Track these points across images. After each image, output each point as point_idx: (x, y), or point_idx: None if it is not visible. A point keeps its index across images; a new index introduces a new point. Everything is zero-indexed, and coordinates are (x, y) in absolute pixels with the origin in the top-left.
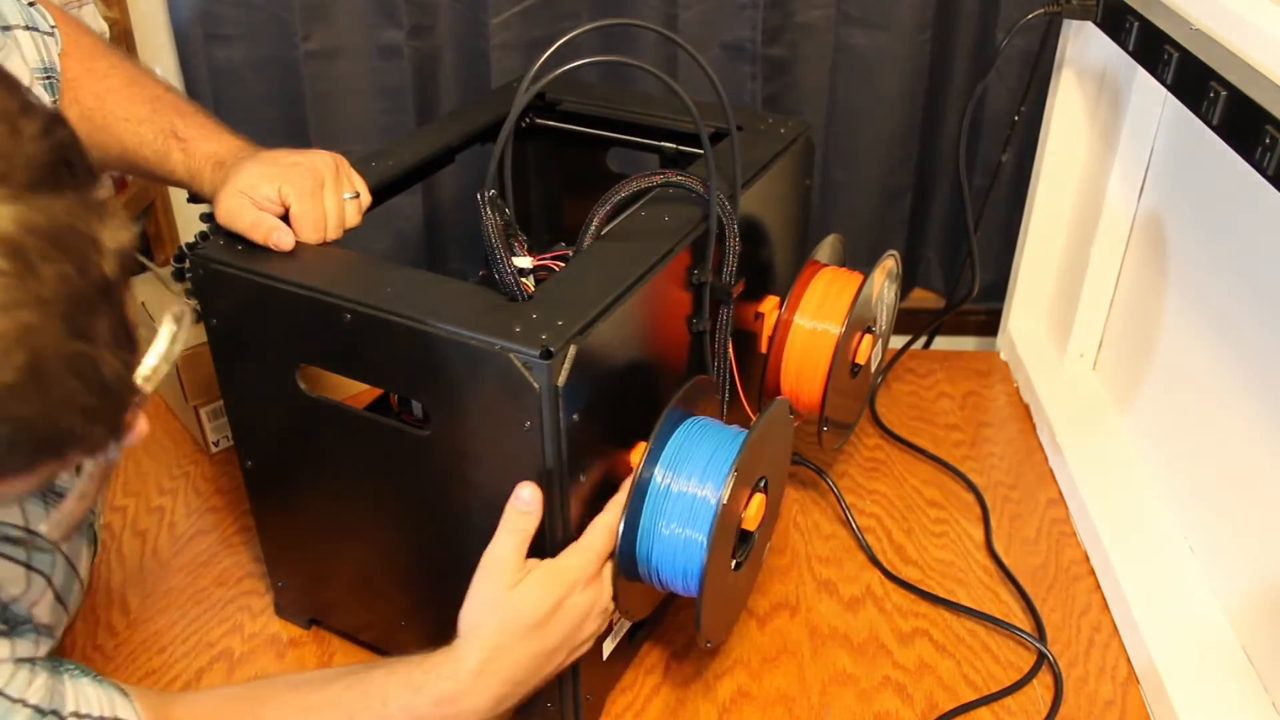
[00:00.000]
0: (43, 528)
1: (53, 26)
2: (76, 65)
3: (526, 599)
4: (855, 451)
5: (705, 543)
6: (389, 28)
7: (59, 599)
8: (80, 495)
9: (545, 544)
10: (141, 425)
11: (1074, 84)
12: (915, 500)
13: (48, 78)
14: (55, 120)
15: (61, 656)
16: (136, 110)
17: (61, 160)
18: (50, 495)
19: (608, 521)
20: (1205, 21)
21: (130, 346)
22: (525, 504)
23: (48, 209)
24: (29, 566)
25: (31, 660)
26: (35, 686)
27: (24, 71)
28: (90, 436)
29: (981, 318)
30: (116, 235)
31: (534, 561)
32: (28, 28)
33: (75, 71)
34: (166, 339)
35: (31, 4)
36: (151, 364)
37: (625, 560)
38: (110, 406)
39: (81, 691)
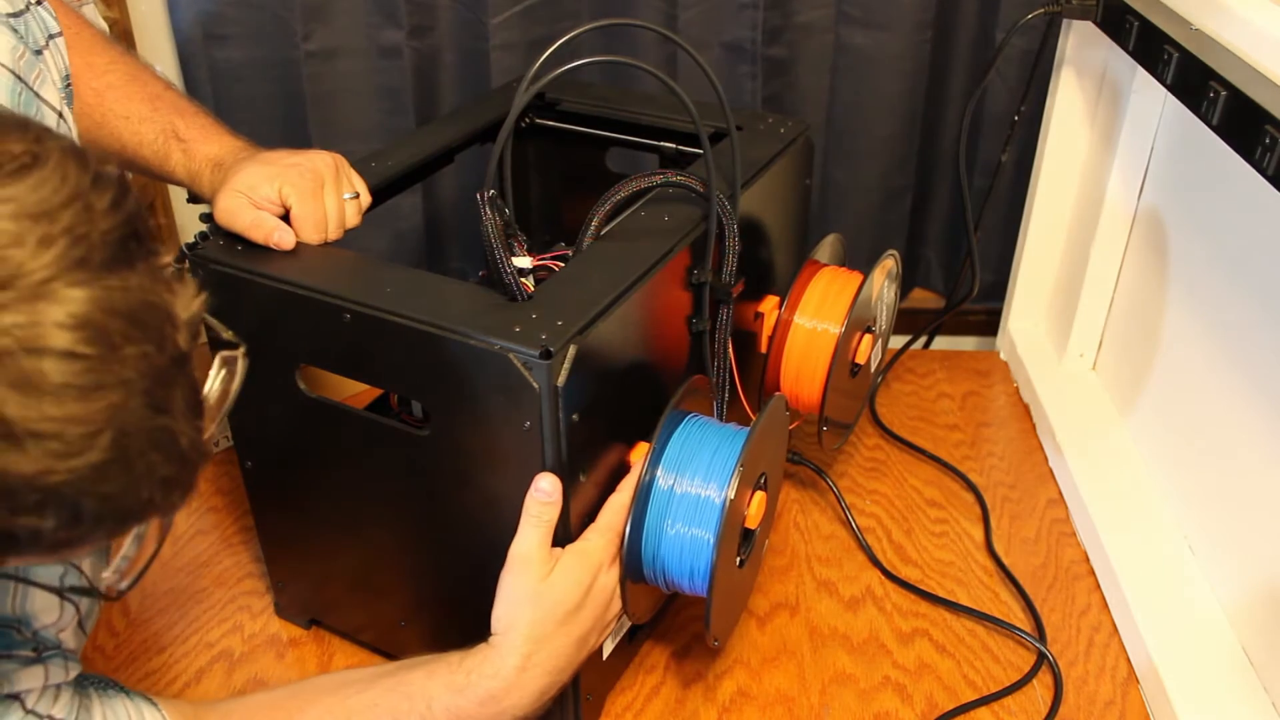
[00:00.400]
0: (105, 575)
1: (56, 19)
2: (77, 59)
3: (560, 587)
4: (855, 451)
5: (713, 540)
6: (389, 28)
7: (81, 625)
8: (143, 540)
9: None
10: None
11: (1074, 84)
12: (915, 500)
13: (67, 86)
14: (122, 189)
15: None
16: (137, 108)
17: (132, 233)
18: None
19: (624, 500)
20: (1205, 21)
21: (200, 411)
22: (546, 495)
23: (124, 286)
24: (62, 595)
25: (59, 685)
26: (61, 703)
27: (55, 95)
28: (169, 503)
29: (981, 318)
30: (188, 305)
31: (559, 550)
32: (49, 38)
33: (75, 66)
34: (219, 384)
35: (39, 1)
36: (209, 414)
37: (630, 562)
38: (187, 474)
39: (110, 705)
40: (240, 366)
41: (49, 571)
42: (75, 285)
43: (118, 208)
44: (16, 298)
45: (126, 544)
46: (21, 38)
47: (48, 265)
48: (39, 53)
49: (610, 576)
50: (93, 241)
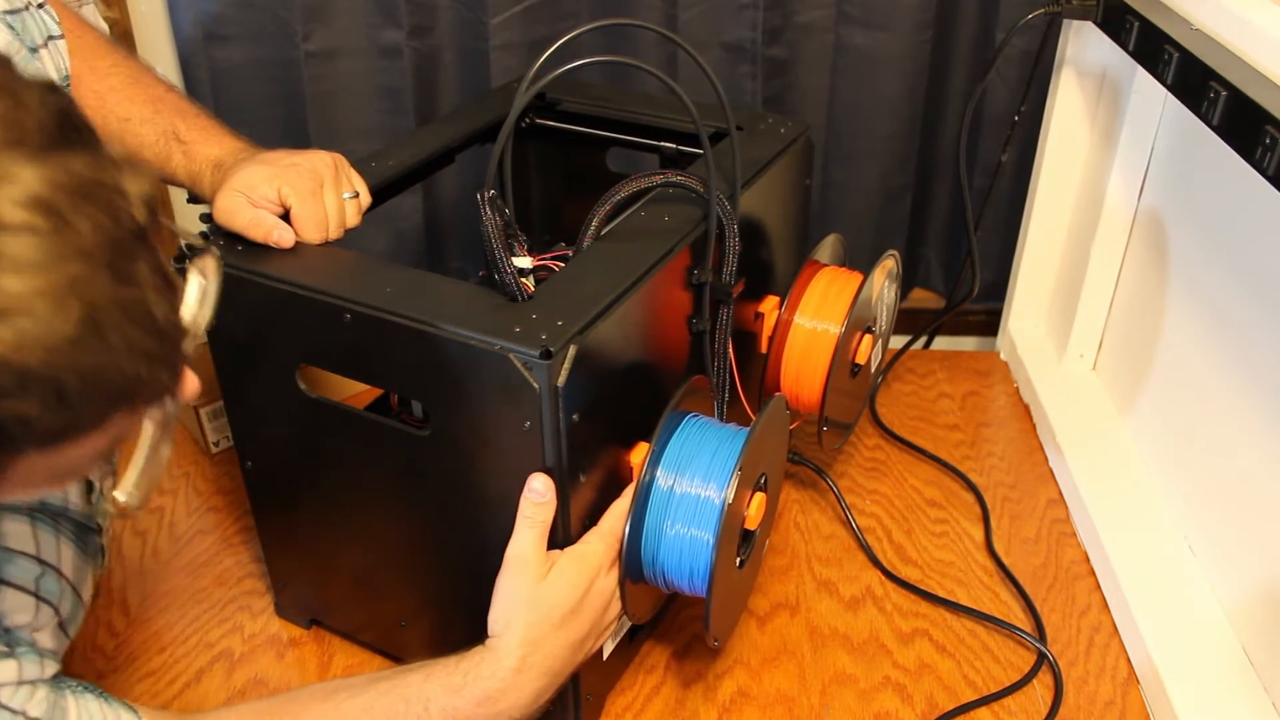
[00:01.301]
0: (118, 495)
1: (58, 23)
2: (79, 62)
3: (557, 589)
4: (855, 451)
5: (712, 541)
6: (389, 28)
7: (62, 628)
8: (149, 460)
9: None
10: (193, 382)
11: (1074, 84)
12: (915, 500)
13: (66, 87)
14: (51, 86)
15: (65, 674)
16: (138, 111)
17: (68, 122)
18: (62, 520)
19: (626, 506)
20: (1205, 21)
21: (171, 289)
22: (539, 495)
23: (68, 166)
24: (37, 596)
25: (34, 681)
26: (37, 700)
27: None
28: (156, 381)
29: (981, 318)
30: (139, 182)
31: (556, 552)
32: (48, 39)
33: (77, 68)
34: (197, 291)
35: (41, 4)
36: (191, 313)
37: (630, 562)
38: (168, 348)
39: (85, 708)
40: (214, 266)
41: (23, 571)
42: (18, 164)
43: (49, 100)
44: None
45: (135, 463)
46: (18, 35)
47: None
48: (35, 51)
49: (609, 580)
50: (26, 127)
